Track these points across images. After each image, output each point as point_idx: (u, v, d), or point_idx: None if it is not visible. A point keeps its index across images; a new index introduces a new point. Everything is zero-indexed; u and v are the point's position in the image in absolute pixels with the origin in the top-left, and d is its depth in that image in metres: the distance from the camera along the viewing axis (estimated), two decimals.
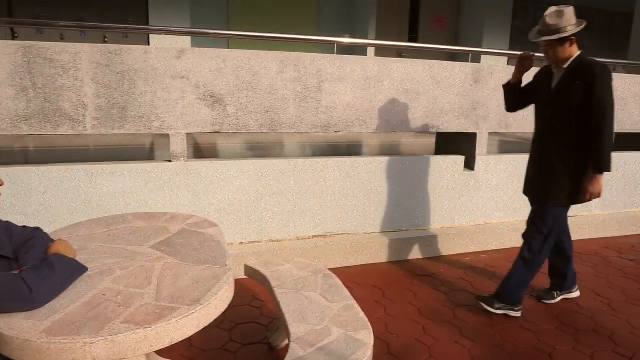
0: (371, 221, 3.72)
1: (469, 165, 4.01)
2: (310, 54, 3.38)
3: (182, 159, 3.22)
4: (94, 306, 1.33)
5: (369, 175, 3.65)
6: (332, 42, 3.68)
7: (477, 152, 3.99)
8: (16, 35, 5.97)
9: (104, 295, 1.39)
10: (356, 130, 3.58)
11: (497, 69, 3.95)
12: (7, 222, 1.61)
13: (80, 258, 1.60)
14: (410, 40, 7.95)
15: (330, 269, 3.27)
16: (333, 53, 3.65)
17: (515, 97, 2.77)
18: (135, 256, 1.68)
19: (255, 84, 3.29)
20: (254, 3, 7.15)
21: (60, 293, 1.37)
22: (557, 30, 2.35)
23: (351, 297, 2.13)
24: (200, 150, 4.15)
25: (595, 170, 2.41)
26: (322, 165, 3.53)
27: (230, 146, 4.82)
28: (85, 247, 1.76)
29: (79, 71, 2.94)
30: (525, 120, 4.08)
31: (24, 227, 1.65)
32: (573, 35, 2.37)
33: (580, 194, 2.47)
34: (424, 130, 3.78)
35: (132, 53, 3.02)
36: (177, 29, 3.62)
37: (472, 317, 2.83)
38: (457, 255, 3.84)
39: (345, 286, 3.02)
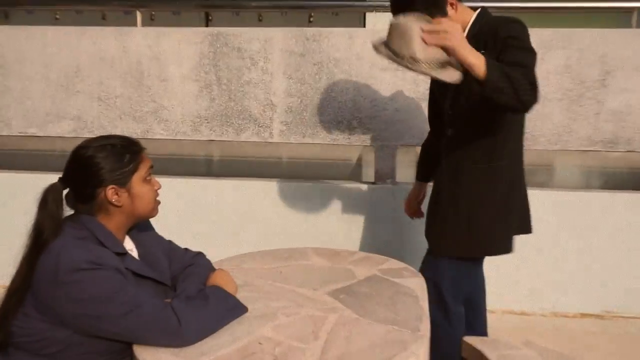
0: None
1: None
2: (590, 29, 3.32)
3: (389, 180, 3.48)
4: (247, 355, 1.55)
5: None
6: (630, 10, 3.52)
7: None
8: (210, 19, 7.23)
9: (260, 344, 1.59)
10: None
11: None
12: (169, 242, 2.00)
13: (241, 295, 1.83)
14: None
15: None
16: (631, 27, 3.49)
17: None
18: (306, 302, 1.88)
19: None
20: None
21: (211, 332, 1.64)
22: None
23: None
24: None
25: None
26: (603, 203, 3.38)
27: None
28: (250, 282, 2.04)
29: (269, 62, 3.47)
30: None
31: (186, 250, 2.02)
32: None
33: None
34: None
35: (333, 38, 3.42)
36: None
37: None
38: None
39: None
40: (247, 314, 1.77)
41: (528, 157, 4.57)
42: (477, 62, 2.01)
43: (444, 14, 2.24)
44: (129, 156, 1.72)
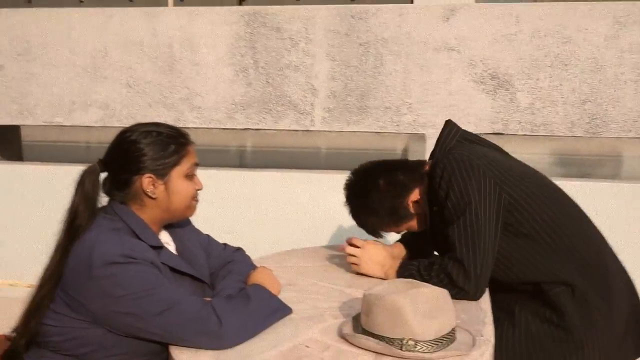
0: None
1: None
2: None
3: None
4: (293, 359, 1.52)
5: None
6: None
7: None
8: None
9: (307, 347, 1.60)
10: None
11: None
12: (207, 236, 2.02)
13: (285, 296, 1.85)
14: None
15: None
16: None
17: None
18: (356, 304, 1.84)
19: (567, 57, 3.31)
20: None
21: (254, 334, 1.63)
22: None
23: None
24: None
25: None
26: None
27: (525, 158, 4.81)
28: (293, 282, 2.06)
29: (310, 43, 3.46)
30: None
31: (225, 245, 2.05)
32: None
33: None
34: None
35: (381, 15, 3.39)
36: None
37: None
38: None
39: None
40: (291, 316, 1.78)
41: (594, 146, 4.43)
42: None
43: (408, 218, 2.18)
44: (174, 147, 1.74)
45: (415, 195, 2.16)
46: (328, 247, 2.50)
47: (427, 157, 3.36)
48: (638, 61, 3.28)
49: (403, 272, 2.09)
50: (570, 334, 2.00)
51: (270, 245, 3.38)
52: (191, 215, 1.85)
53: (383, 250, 2.22)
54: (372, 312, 1.63)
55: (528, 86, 3.35)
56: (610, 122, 3.33)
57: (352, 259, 2.19)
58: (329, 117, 3.49)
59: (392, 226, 2.21)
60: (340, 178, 3.44)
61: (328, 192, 3.47)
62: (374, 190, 2.17)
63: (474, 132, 3.26)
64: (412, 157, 4.19)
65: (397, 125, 3.45)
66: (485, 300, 1.98)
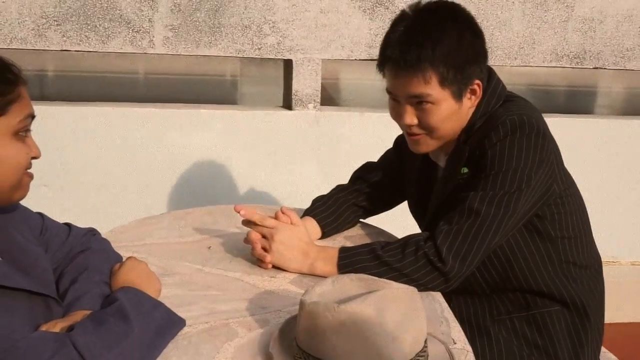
0: None
1: None
2: None
3: (311, 105, 3.23)
4: None
5: None
6: None
7: None
8: None
9: None
10: (634, 66, 3.47)
11: None
12: (39, 215, 1.52)
13: (167, 297, 1.49)
14: None
15: None
16: None
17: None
18: (268, 300, 1.57)
19: None
20: None
21: None
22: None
23: None
24: (335, 95, 4.07)
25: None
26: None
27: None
28: (170, 270, 1.69)
29: None
30: None
31: (68, 226, 1.57)
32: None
33: None
34: None
35: None
36: None
37: None
38: None
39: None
40: (185, 330, 1.40)
41: None
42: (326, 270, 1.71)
43: (457, 98, 1.73)
44: None
45: (478, 86, 1.75)
46: (199, 211, 2.17)
47: (294, 89, 3.13)
48: None
49: (349, 263, 1.72)
50: None
51: (104, 210, 3.02)
52: (21, 198, 1.34)
53: (304, 232, 1.80)
54: (322, 332, 1.25)
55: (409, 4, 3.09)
56: (496, 47, 3.30)
57: (260, 244, 1.74)
58: (174, 37, 3.07)
59: (454, 84, 1.71)
60: (194, 113, 3.10)
61: (177, 131, 3.16)
62: (466, 32, 1.72)
63: (348, 57, 3.17)
64: (273, 85, 3.91)
65: (259, 48, 3.14)
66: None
